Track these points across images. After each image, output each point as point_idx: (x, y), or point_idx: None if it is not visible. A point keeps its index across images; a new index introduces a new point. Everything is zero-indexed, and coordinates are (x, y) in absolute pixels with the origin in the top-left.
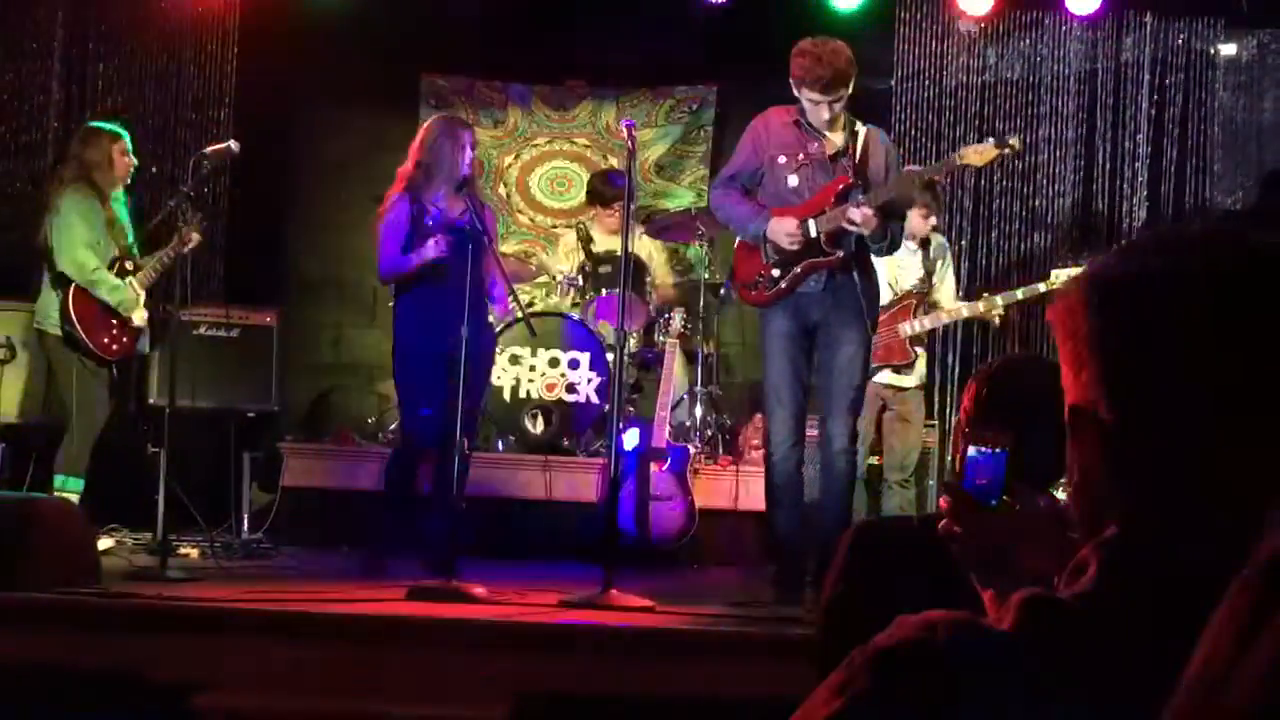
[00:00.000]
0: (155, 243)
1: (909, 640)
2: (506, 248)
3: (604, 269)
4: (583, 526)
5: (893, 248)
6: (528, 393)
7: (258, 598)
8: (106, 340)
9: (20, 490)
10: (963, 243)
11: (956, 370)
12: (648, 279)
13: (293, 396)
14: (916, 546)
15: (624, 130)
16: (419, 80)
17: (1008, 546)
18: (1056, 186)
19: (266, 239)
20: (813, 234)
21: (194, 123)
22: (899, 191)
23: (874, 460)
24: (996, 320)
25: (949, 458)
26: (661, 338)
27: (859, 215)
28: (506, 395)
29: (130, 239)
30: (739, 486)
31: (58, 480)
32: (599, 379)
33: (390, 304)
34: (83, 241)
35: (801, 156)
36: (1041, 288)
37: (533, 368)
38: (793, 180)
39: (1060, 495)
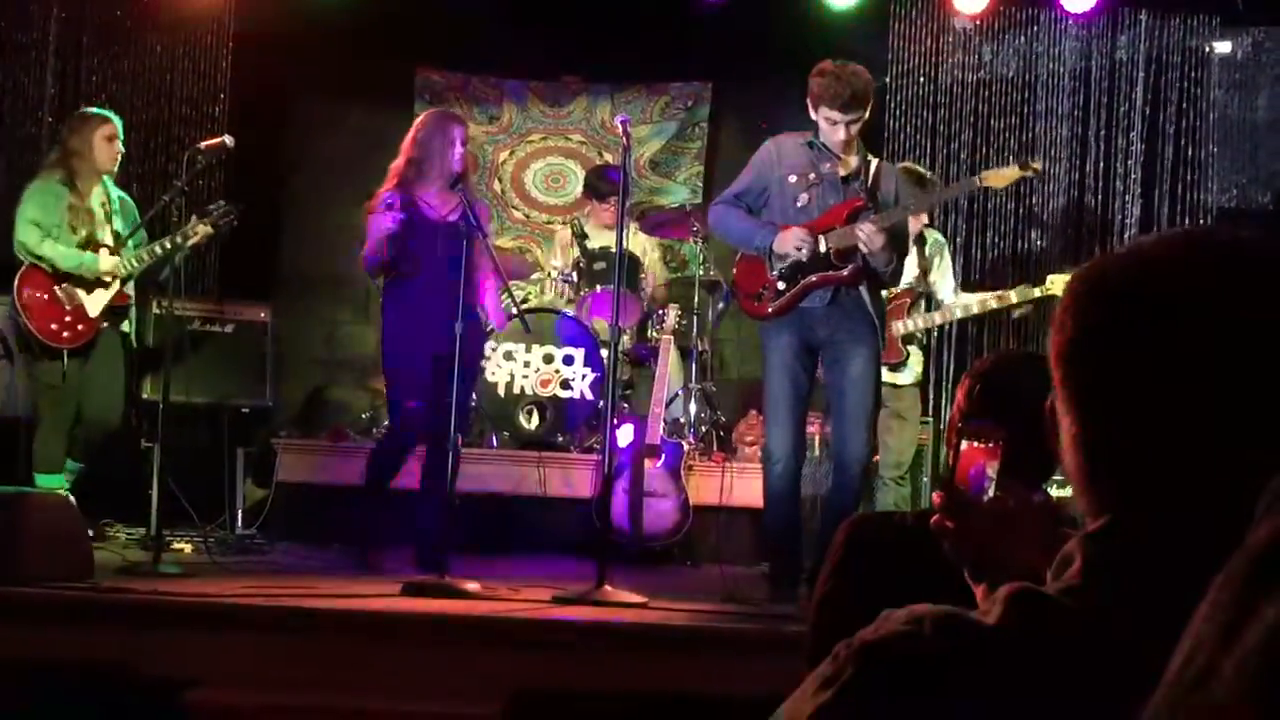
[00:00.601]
0: (153, 238)
1: (895, 633)
2: (501, 243)
3: (598, 265)
4: (577, 522)
5: (894, 278)
6: (522, 389)
7: (251, 593)
8: (55, 327)
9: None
10: (958, 240)
11: (952, 368)
12: (642, 275)
13: (287, 392)
14: (910, 542)
15: (619, 126)
16: (414, 76)
17: (1000, 542)
18: (1051, 184)
19: (261, 234)
20: (821, 248)
21: (188, 118)
22: (915, 207)
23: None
24: (1015, 314)
25: (943, 454)
26: (655, 334)
27: (867, 229)
28: (501, 391)
29: (117, 229)
30: (733, 483)
31: (36, 478)
32: (593, 375)
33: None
34: (28, 220)
35: (813, 176)
36: (1036, 292)
37: (527, 364)
38: (802, 199)
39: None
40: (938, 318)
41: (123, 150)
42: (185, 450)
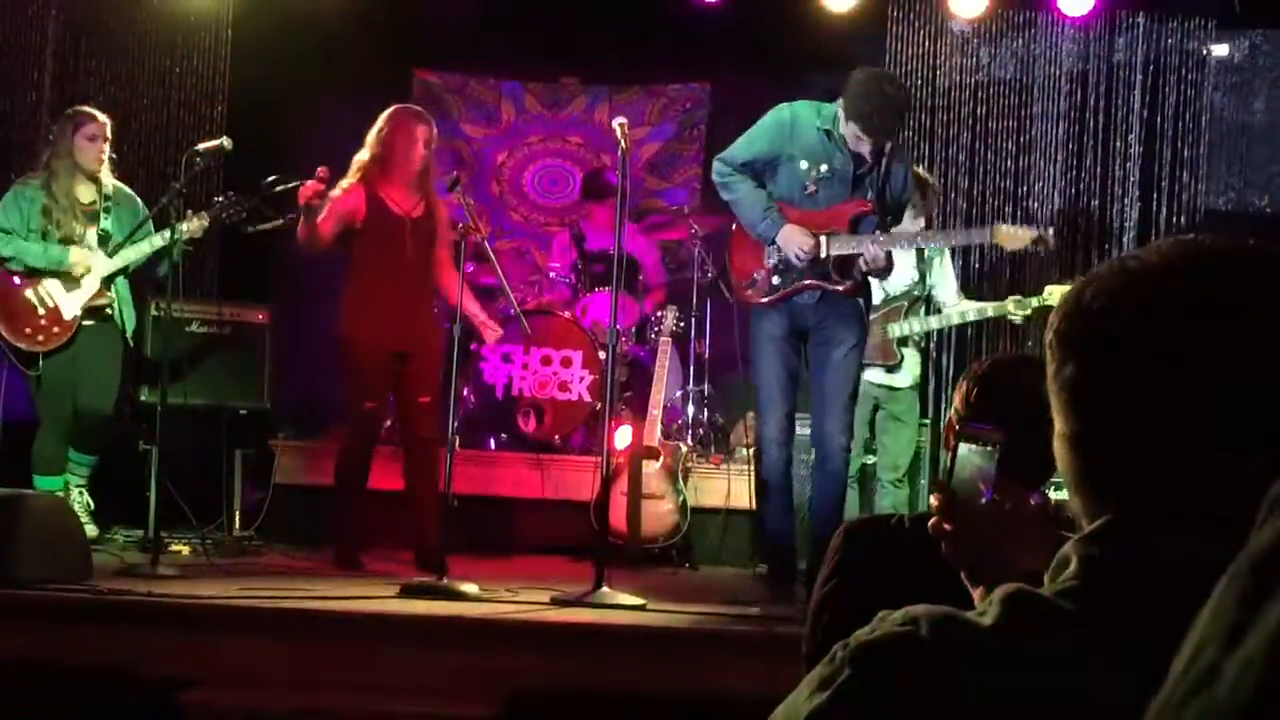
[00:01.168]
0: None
1: (891, 634)
2: (498, 245)
3: (596, 268)
4: (574, 524)
5: (887, 273)
6: (520, 391)
7: (249, 595)
8: (29, 330)
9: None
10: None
11: (950, 370)
12: (640, 277)
13: (284, 394)
14: (907, 545)
15: (617, 128)
16: (412, 77)
17: (998, 544)
18: (1048, 187)
19: (259, 236)
20: (823, 253)
21: (187, 120)
22: (924, 240)
23: (868, 460)
24: (1019, 318)
25: (941, 456)
26: (654, 336)
27: (872, 253)
28: (499, 393)
29: (105, 228)
30: (731, 485)
31: (35, 480)
32: (591, 377)
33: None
34: None
35: (824, 168)
36: (1034, 302)
37: (525, 366)
38: (810, 188)
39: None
40: (934, 322)
41: (107, 151)
42: (183, 452)
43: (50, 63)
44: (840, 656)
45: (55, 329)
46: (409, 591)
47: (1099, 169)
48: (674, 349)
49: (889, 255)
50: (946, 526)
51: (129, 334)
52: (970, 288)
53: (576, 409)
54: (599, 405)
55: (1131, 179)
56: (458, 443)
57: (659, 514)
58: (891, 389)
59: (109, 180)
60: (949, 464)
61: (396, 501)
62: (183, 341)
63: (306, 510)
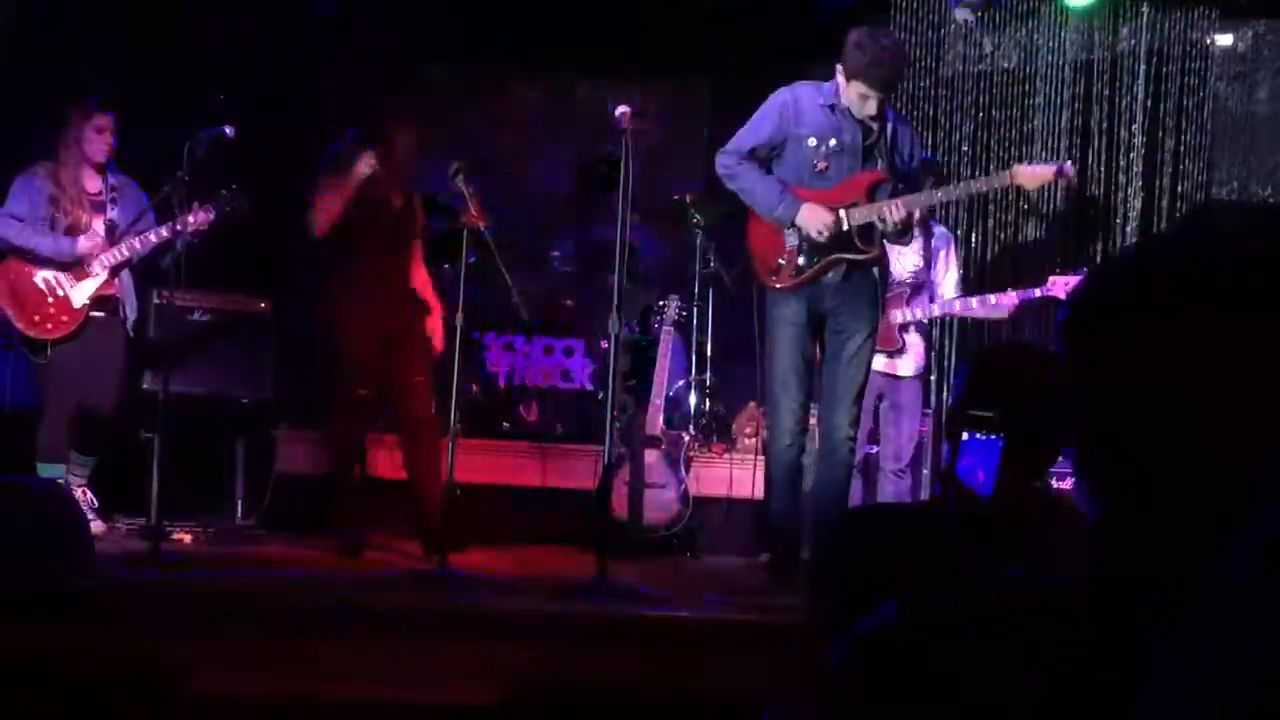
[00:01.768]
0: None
1: (892, 624)
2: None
3: (598, 256)
4: (576, 513)
5: (908, 236)
6: (523, 379)
7: (251, 584)
8: (38, 318)
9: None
10: (957, 232)
11: (952, 359)
12: (641, 267)
13: (287, 383)
14: (909, 534)
15: (620, 117)
16: (414, 68)
17: (1001, 531)
18: (1071, 171)
19: (261, 225)
20: (845, 226)
21: (189, 109)
22: (944, 195)
23: (871, 450)
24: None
25: (942, 445)
26: (657, 325)
27: (895, 216)
28: (500, 382)
29: (112, 218)
30: (733, 474)
31: (37, 467)
32: (593, 366)
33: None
34: (7, 213)
35: (833, 143)
36: (1037, 293)
37: (527, 355)
38: (820, 164)
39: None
40: (936, 310)
41: (109, 142)
42: (184, 441)
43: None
44: (840, 646)
45: (64, 317)
46: (410, 580)
47: (1102, 159)
48: (677, 338)
49: (909, 217)
50: (949, 514)
51: (130, 322)
52: (973, 274)
53: (578, 398)
54: (600, 394)
55: (1135, 169)
56: (460, 431)
57: (661, 503)
58: (895, 378)
59: (115, 171)
60: (952, 452)
61: (397, 489)
62: (185, 330)
63: (308, 499)
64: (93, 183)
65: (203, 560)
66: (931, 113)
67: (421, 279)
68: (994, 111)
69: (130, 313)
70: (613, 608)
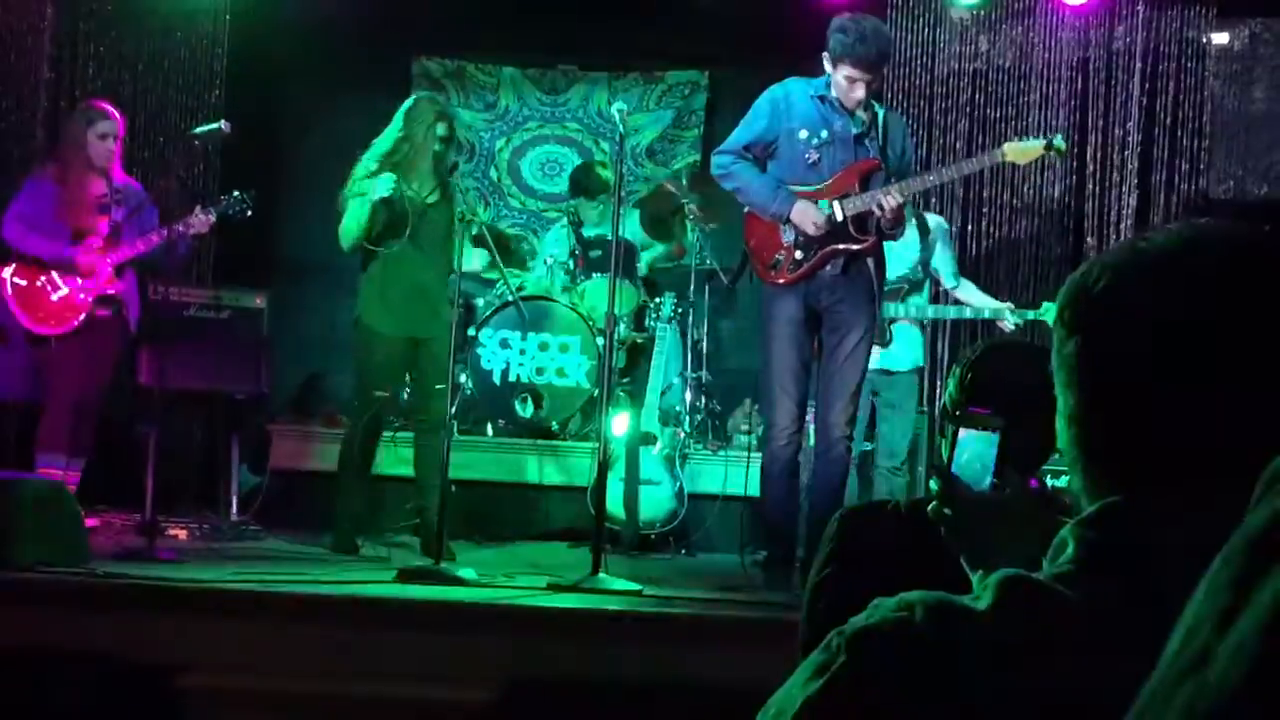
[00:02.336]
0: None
1: (887, 620)
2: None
3: (594, 253)
4: (572, 510)
5: (898, 235)
6: (518, 376)
7: (246, 579)
8: (41, 315)
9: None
10: (952, 229)
11: (946, 356)
12: (637, 263)
13: (282, 379)
14: (904, 531)
15: (615, 114)
16: (411, 63)
17: (997, 529)
18: (1047, 174)
19: (256, 221)
20: (839, 217)
21: (185, 104)
22: (937, 177)
23: (866, 446)
24: (1010, 325)
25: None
26: (652, 323)
27: (891, 203)
28: (496, 379)
29: (117, 220)
30: (728, 471)
31: (37, 458)
32: (589, 363)
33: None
34: (15, 215)
35: (825, 134)
36: (1030, 315)
37: (522, 351)
38: (812, 156)
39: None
40: (931, 311)
41: (112, 149)
42: (180, 437)
43: (48, 46)
44: (836, 643)
45: (67, 314)
46: (406, 576)
47: (1098, 157)
48: (672, 335)
49: (900, 209)
50: (945, 511)
51: (131, 323)
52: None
53: (574, 395)
54: (596, 391)
55: (1130, 167)
56: (456, 428)
57: (656, 500)
58: (888, 373)
59: (119, 173)
60: (948, 449)
61: (391, 485)
62: (180, 325)
63: (303, 494)
64: (97, 186)
65: (197, 555)
66: (927, 111)
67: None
68: (989, 110)
69: (132, 312)
70: (608, 604)
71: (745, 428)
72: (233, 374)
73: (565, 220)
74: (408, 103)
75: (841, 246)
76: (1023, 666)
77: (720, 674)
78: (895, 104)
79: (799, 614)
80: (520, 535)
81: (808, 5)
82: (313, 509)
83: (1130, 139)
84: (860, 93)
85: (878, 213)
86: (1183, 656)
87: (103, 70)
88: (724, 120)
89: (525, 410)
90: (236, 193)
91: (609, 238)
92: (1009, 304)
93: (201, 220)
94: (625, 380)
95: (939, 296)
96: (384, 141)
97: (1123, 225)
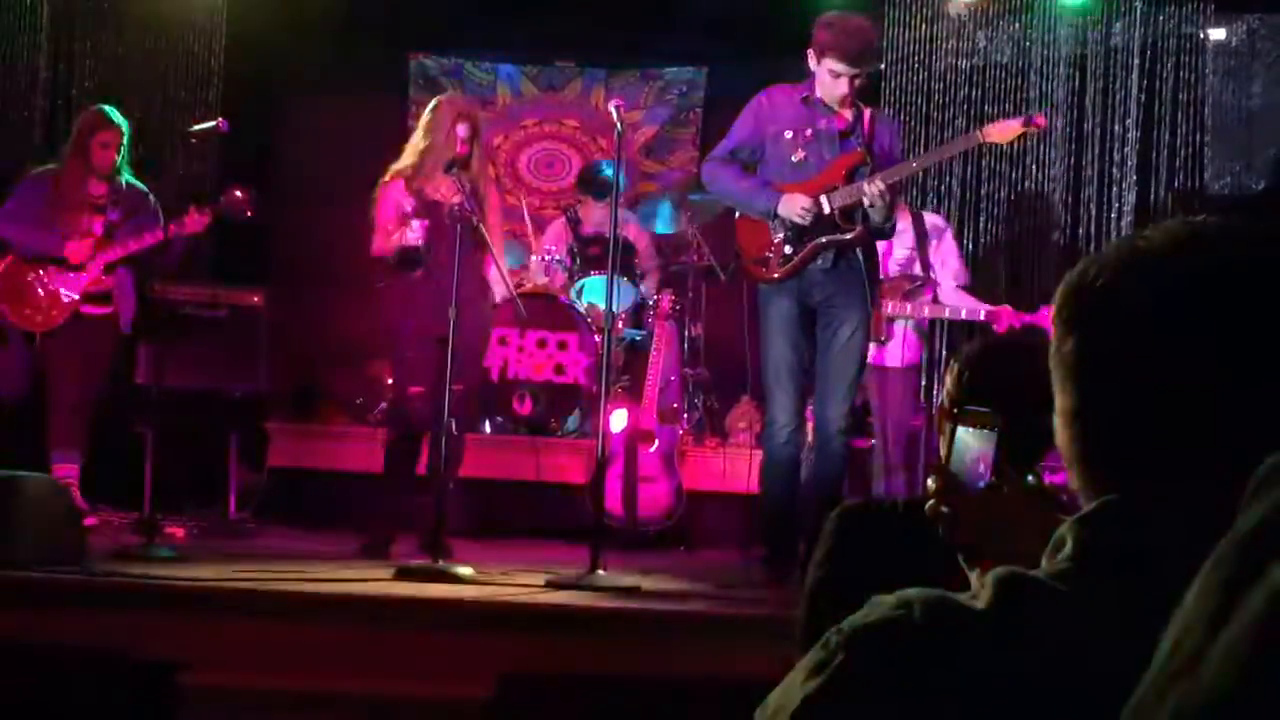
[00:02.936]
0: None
1: (885, 618)
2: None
3: (592, 251)
4: (570, 507)
5: (890, 233)
6: (516, 374)
7: (244, 577)
8: (28, 311)
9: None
10: (952, 228)
11: (944, 353)
12: (635, 261)
13: (280, 377)
14: (902, 529)
15: (612, 111)
16: (407, 61)
17: (995, 527)
18: (1045, 171)
19: (254, 218)
20: (826, 209)
21: (182, 102)
22: (919, 163)
23: (866, 443)
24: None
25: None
26: (650, 320)
27: (874, 189)
28: (495, 376)
29: (113, 219)
30: (726, 468)
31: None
32: (587, 360)
33: (378, 284)
34: (5, 211)
35: (809, 132)
36: (1028, 318)
37: (521, 349)
38: (798, 155)
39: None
40: (926, 311)
41: (119, 157)
42: (178, 435)
43: (44, 44)
44: (834, 641)
45: (53, 311)
46: (404, 574)
47: (1096, 153)
48: (670, 332)
49: (886, 194)
50: (944, 509)
51: (123, 323)
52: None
53: (572, 392)
54: (594, 388)
55: (1129, 163)
56: (453, 426)
57: (654, 497)
58: (883, 369)
59: (125, 174)
60: (945, 446)
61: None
62: (178, 324)
63: (302, 493)
64: (96, 187)
65: (195, 554)
66: (925, 107)
67: (492, 270)
68: (987, 106)
69: (126, 309)
70: (606, 601)
71: (743, 424)
72: (230, 372)
73: (563, 218)
74: (431, 104)
75: (829, 238)
76: (1021, 664)
77: (719, 671)
78: (893, 99)
79: (797, 611)
80: (518, 532)
81: (805, 2)
82: (312, 507)
83: (1129, 135)
84: (844, 88)
85: (865, 200)
86: (1174, 659)
87: (99, 68)
88: (722, 117)
89: (523, 407)
90: (239, 193)
91: (606, 234)
92: (1007, 307)
93: (197, 219)
94: (623, 377)
95: (937, 299)
96: (409, 154)
97: (1122, 221)
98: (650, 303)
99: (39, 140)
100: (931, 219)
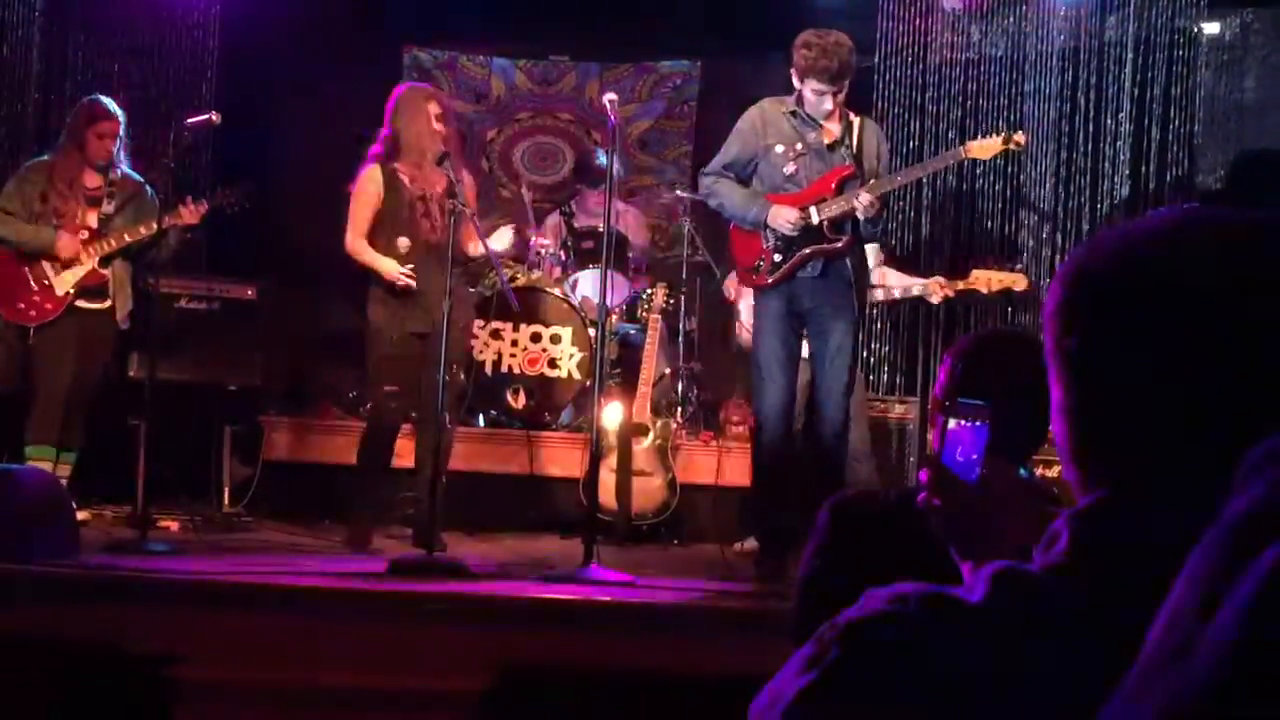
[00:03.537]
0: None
1: (879, 613)
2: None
3: (586, 244)
4: (564, 501)
5: (878, 236)
6: (509, 367)
7: (238, 571)
8: (22, 305)
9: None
10: (944, 221)
11: (938, 347)
12: (630, 255)
13: (274, 370)
14: (893, 521)
15: (607, 104)
16: (402, 54)
17: (987, 519)
18: (1039, 165)
19: (248, 211)
20: (814, 220)
21: (176, 95)
22: (904, 177)
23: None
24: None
25: (928, 433)
26: (644, 314)
27: (865, 201)
28: (488, 370)
29: (107, 212)
30: (720, 462)
31: (26, 450)
32: (580, 354)
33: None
34: None
35: (799, 146)
36: (960, 285)
37: (514, 342)
38: (789, 168)
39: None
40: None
41: (117, 148)
42: (172, 428)
43: (38, 36)
44: (828, 636)
45: (47, 305)
46: (398, 567)
47: (1089, 147)
48: (664, 326)
49: (875, 205)
50: (936, 502)
51: (120, 317)
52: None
53: (566, 386)
54: (588, 382)
55: (1122, 157)
56: (448, 420)
57: (648, 491)
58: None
59: (121, 167)
60: (937, 439)
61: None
62: (172, 317)
63: (296, 486)
64: (91, 179)
65: (189, 547)
66: (919, 101)
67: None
68: (981, 100)
69: (123, 304)
70: (600, 595)
71: (737, 418)
72: (224, 365)
73: (558, 211)
74: (398, 95)
75: (815, 248)
76: (1016, 659)
77: (712, 664)
78: (886, 93)
79: (790, 604)
80: (512, 526)
81: None
82: (305, 501)
83: (1121, 129)
84: (828, 104)
85: (860, 213)
86: (1165, 645)
87: (93, 61)
88: (716, 110)
89: (517, 401)
90: (234, 183)
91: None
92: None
93: (191, 211)
94: (617, 371)
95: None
96: (388, 144)
97: (1114, 215)
98: (644, 297)
99: (32, 133)
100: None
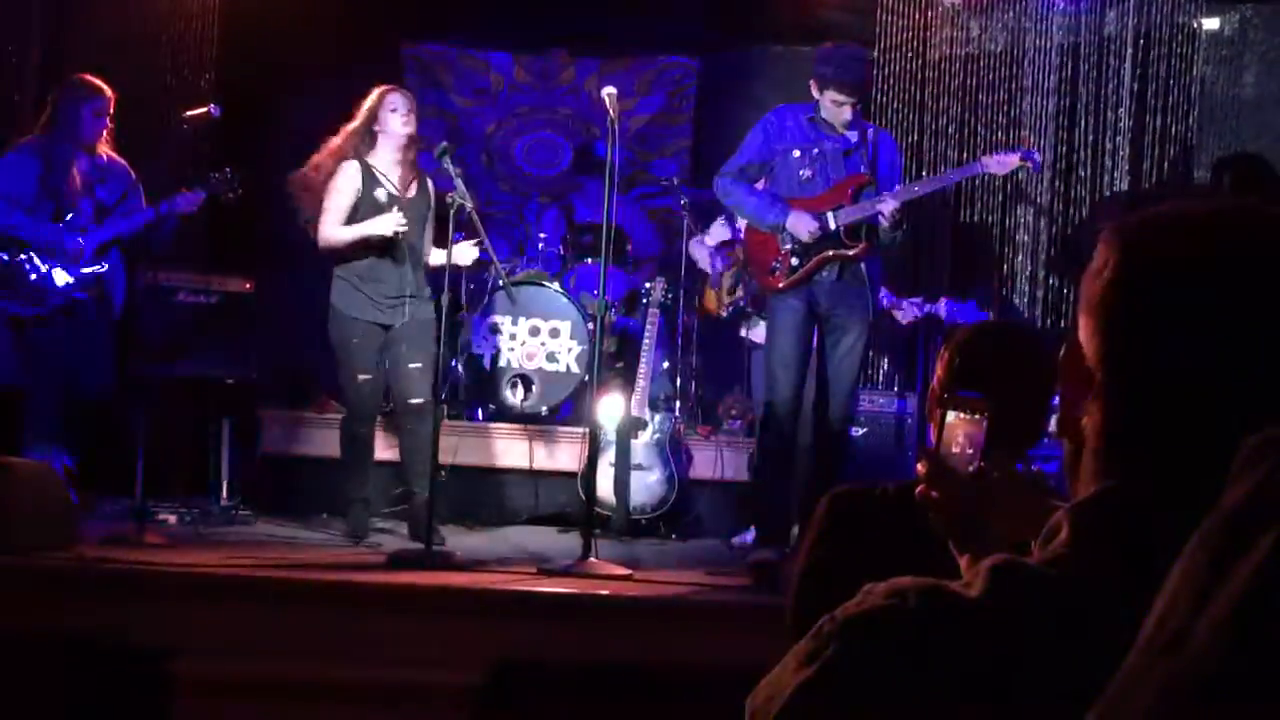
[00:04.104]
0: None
1: (877, 607)
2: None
3: (585, 238)
4: (562, 495)
5: (896, 245)
6: (508, 361)
7: (235, 564)
8: (20, 297)
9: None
10: (945, 214)
11: (934, 341)
12: (629, 249)
13: (271, 363)
14: (891, 514)
15: (606, 98)
16: (401, 48)
17: (985, 513)
18: (1038, 159)
19: (246, 205)
20: (832, 227)
21: (175, 88)
22: (922, 188)
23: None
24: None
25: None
26: (643, 308)
27: (890, 207)
28: (487, 364)
29: (100, 198)
30: (718, 457)
31: (24, 443)
32: (579, 348)
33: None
34: None
35: (816, 151)
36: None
37: (513, 336)
38: (806, 173)
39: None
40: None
41: (107, 125)
42: (169, 422)
43: (36, 28)
44: (827, 630)
45: (45, 295)
46: (397, 561)
47: (1089, 142)
48: (662, 320)
49: (898, 212)
50: (934, 494)
51: (116, 307)
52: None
53: (564, 380)
54: (587, 376)
55: (1121, 152)
56: (445, 413)
57: (647, 485)
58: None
59: (105, 150)
60: (935, 432)
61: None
62: (169, 311)
63: (293, 480)
64: (83, 162)
65: (187, 540)
66: (919, 96)
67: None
68: (981, 95)
69: (118, 295)
70: (598, 589)
71: (735, 413)
72: (222, 359)
73: (557, 205)
74: (371, 92)
75: (834, 253)
76: (1015, 653)
77: (710, 658)
78: (885, 89)
79: (788, 597)
80: (510, 520)
81: None
82: (303, 494)
83: (1121, 124)
84: (847, 114)
85: (884, 221)
86: (1161, 635)
87: (92, 53)
88: (715, 105)
89: (515, 395)
90: (228, 170)
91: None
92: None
93: (189, 199)
94: (616, 365)
95: None
96: (349, 129)
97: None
98: (643, 291)
99: (30, 124)
100: None
